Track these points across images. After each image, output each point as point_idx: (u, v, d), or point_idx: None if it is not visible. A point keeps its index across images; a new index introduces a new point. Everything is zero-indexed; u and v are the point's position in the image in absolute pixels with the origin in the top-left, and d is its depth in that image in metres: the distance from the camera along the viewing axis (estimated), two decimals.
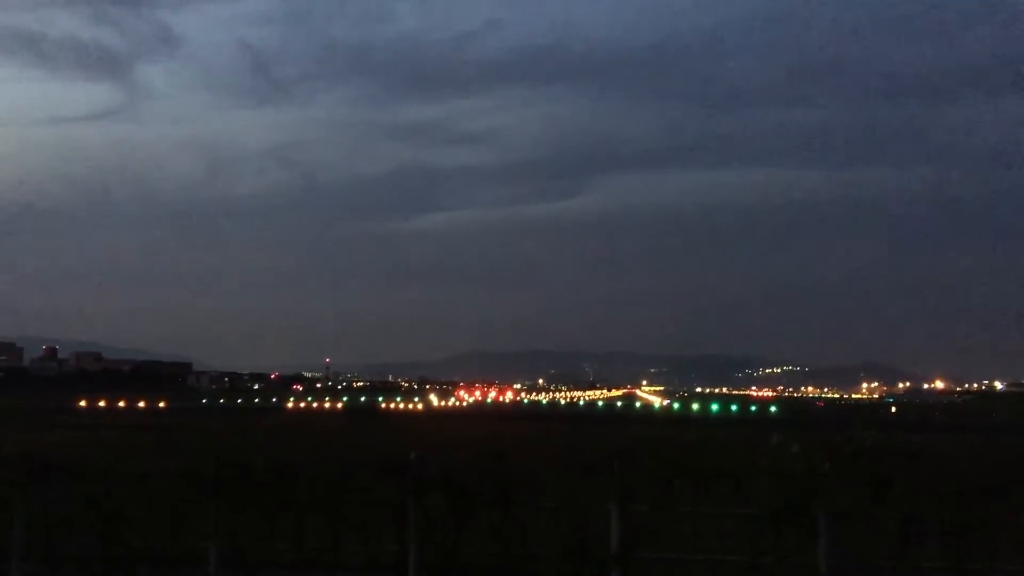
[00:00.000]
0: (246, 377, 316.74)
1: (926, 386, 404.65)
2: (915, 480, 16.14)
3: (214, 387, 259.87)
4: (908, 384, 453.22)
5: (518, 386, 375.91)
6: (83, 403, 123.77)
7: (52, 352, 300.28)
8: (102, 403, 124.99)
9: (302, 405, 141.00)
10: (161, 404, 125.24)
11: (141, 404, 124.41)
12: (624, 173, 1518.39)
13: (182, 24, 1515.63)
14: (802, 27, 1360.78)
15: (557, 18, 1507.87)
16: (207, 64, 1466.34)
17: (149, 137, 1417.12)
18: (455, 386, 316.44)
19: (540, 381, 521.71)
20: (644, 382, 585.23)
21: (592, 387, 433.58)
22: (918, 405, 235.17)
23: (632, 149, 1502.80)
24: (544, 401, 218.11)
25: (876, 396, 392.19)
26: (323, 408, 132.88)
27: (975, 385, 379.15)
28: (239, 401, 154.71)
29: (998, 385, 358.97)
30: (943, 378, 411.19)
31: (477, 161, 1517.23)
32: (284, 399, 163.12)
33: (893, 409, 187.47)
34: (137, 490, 16.43)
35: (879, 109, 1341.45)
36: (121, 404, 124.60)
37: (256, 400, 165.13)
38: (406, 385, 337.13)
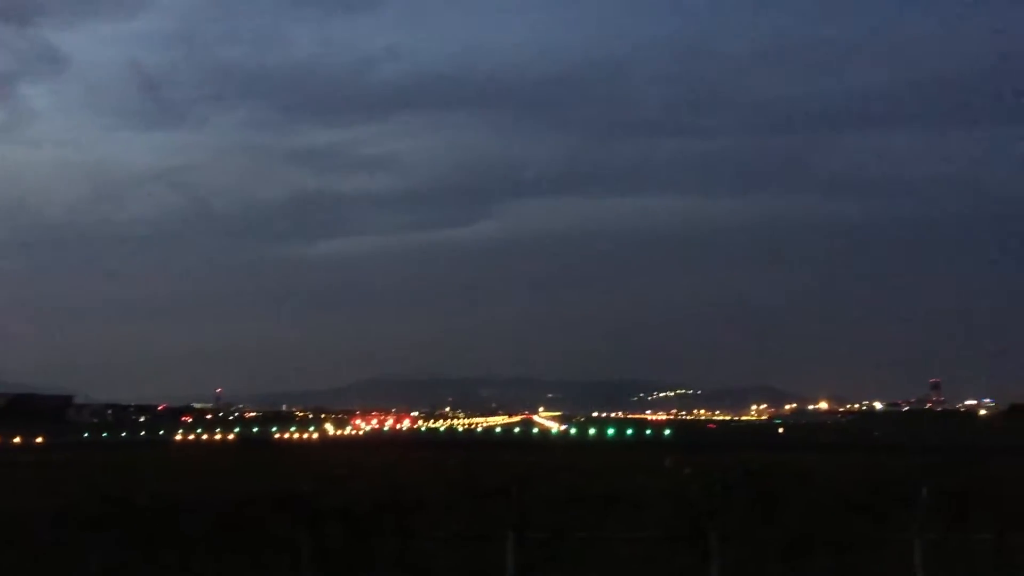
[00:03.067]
0: (132, 409, 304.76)
1: (811, 407, 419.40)
2: (802, 499, 16.67)
3: (96, 420, 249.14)
4: (795, 405, 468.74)
5: (415, 414, 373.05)
6: None
7: None
8: None
9: (192, 437, 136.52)
10: (39, 440, 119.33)
11: (16, 440, 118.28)
12: (524, 200, 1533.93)
13: (69, 43, 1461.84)
14: (699, 60, 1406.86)
15: (459, 45, 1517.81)
16: (95, 85, 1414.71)
17: (32, 160, 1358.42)
18: (351, 415, 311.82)
19: (447, 407, 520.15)
20: (541, 408, 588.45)
21: (494, 413, 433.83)
22: (804, 426, 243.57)
23: (532, 176, 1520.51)
24: (441, 428, 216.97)
25: (765, 417, 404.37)
26: (214, 440, 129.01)
27: (856, 405, 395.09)
28: (124, 434, 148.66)
29: (877, 405, 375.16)
30: (827, 399, 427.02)
31: (377, 187, 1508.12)
32: (172, 431, 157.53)
33: (780, 430, 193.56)
34: (13, 531, 15.60)
35: (771, 139, 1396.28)
36: None
37: (143, 433, 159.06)
38: (301, 415, 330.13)
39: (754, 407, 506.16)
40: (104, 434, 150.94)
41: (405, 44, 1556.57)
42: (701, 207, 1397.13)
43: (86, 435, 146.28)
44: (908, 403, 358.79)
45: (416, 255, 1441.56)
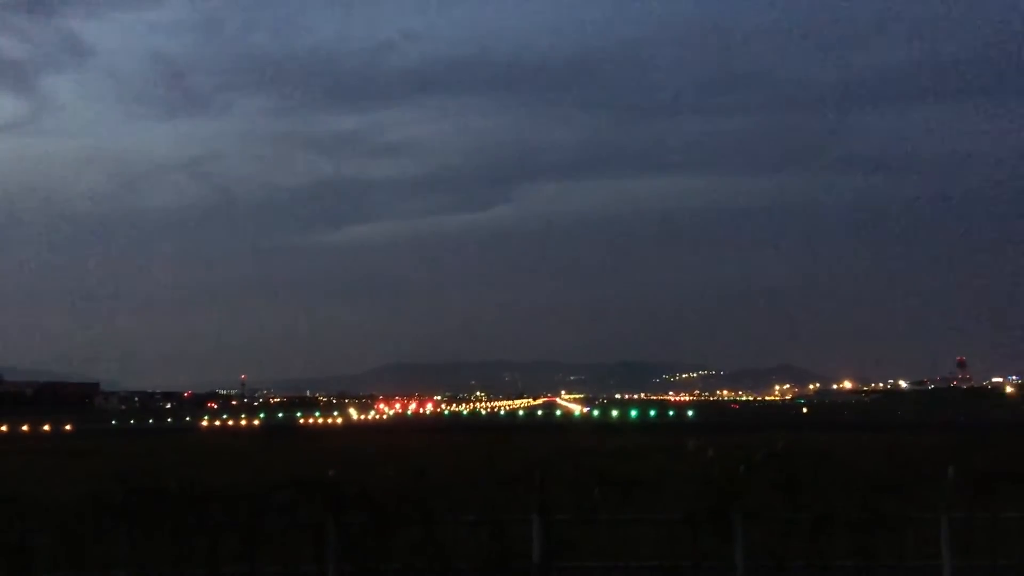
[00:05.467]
0: (158, 396, 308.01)
1: (835, 386, 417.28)
2: (825, 479, 16.61)
3: (123, 408, 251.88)
4: (818, 385, 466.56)
5: (438, 398, 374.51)
6: None
7: None
8: (3, 428, 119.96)
9: (217, 424, 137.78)
10: (67, 427, 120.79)
11: (45, 428, 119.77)
12: (544, 182, 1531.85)
13: (92, 33, 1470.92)
14: (721, 37, 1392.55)
15: (477, 29, 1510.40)
16: (118, 74, 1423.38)
17: (56, 150, 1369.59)
18: (375, 399, 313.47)
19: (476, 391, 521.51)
20: (563, 390, 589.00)
21: (520, 396, 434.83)
22: (827, 405, 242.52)
23: (552, 159, 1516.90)
24: (465, 412, 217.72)
25: (788, 397, 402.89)
26: (239, 426, 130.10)
27: (881, 384, 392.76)
28: (150, 421, 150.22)
29: (902, 384, 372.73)
30: (851, 379, 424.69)
31: (397, 172, 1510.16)
32: (198, 418, 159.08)
33: (804, 410, 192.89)
34: (43, 518, 15.82)
35: (797, 117, 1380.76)
36: (24, 429, 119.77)
37: (168, 420, 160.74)
38: (325, 400, 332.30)
39: (777, 387, 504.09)
40: (131, 421, 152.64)
41: (423, 29, 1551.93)
42: (722, 187, 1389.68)
43: (113, 422, 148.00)
44: (933, 381, 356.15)
45: (437, 240, 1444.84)
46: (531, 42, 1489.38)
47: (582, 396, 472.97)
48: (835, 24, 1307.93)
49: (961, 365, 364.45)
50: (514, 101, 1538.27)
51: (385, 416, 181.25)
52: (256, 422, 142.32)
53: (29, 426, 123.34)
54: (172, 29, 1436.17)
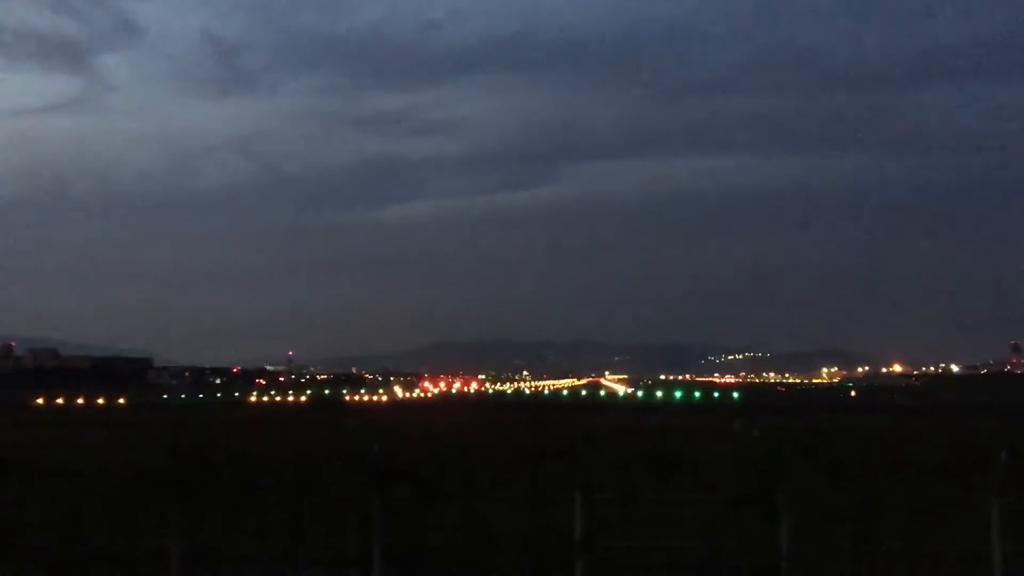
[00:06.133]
0: (208, 371, 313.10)
1: (884, 370, 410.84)
2: (873, 462, 16.38)
3: (175, 382, 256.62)
4: (867, 368, 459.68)
5: (482, 376, 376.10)
6: (40, 401, 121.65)
7: (7, 349, 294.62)
8: (60, 400, 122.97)
9: (265, 399, 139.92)
10: (121, 401, 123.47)
11: (100, 401, 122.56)
12: (589, 162, 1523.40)
13: (144, 14, 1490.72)
14: (768, 15, 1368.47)
15: (521, 7, 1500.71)
16: (169, 54, 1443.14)
17: (109, 129, 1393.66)
18: (419, 377, 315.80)
19: (526, 368, 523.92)
20: (608, 371, 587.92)
21: (562, 376, 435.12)
22: (876, 388, 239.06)
23: (598, 138, 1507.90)
24: (509, 390, 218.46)
25: (835, 380, 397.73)
26: (287, 401, 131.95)
27: (931, 368, 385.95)
28: (201, 396, 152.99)
29: (954, 368, 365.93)
30: (900, 362, 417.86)
31: (443, 151, 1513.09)
32: (247, 393, 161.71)
33: (852, 393, 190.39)
34: (96, 488, 16.19)
35: (844, 96, 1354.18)
36: (79, 401, 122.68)
37: (219, 394, 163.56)
38: (370, 378, 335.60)
39: (825, 370, 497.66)
40: (182, 395, 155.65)
41: (469, 8, 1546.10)
42: (770, 167, 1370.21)
43: (165, 396, 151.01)
44: (986, 365, 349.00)
45: (482, 219, 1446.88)
46: (577, 20, 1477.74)
47: (626, 377, 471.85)
48: (884, 2, 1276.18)
49: (1015, 349, 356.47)
50: (559, 80, 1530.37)
51: (429, 394, 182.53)
52: (303, 398, 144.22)
53: (84, 399, 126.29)
54: (222, 9, 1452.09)
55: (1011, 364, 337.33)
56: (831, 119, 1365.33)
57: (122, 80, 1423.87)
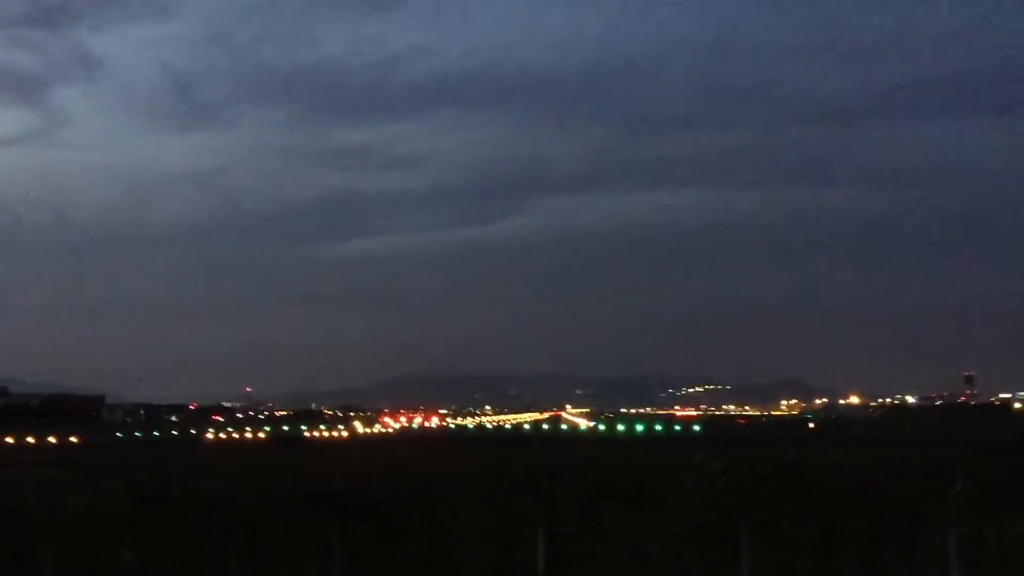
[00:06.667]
0: (163, 408, 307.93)
1: (841, 401, 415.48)
2: (833, 493, 16.54)
3: (129, 420, 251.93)
4: (825, 400, 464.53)
5: (444, 411, 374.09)
6: None
7: None
8: (9, 440, 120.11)
9: (223, 436, 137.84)
10: (73, 439, 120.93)
11: (52, 440, 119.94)
12: (551, 196, 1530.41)
13: (102, 46, 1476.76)
14: (726, 53, 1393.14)
15: (486, 43, 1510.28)
16: (128, 87, 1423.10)
17: (65, 163, 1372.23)
18: (380, 413, 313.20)
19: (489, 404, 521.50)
20: (569, 404, 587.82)
21: (523, 410, 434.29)
22: (835, 420, 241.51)
23: (560, 172, 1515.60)
24: (471, 425, 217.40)
25: (795, 412, 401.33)
26: (244, 438, 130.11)
27: (888, 400, 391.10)
28: (156, 433, 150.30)
29: (910, 399, 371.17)
30: (857, 394, 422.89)
31: (405, 186, 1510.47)
32: (204, 430, 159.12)
33: (811, 425, 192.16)
34: (49, 530, 15.81)
35: (798, 132, 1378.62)
36: (30, 440, 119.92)
37: (174, 432, 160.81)
38: (330, 413, 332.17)
39: (784, 402, 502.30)
40: (137, 433, 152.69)
41: (432, 42, 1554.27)
42: (729, 201, 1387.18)
43: (119, 434, 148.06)
44: (941, 397, 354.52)
45: (444, 253, 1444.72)
46: (538, 57, 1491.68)
47: (588, 410, 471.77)
48: (843, 38, 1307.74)
49: (969, 381, 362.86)
50: (521, 115, 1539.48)
51: (391, 429, 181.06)
52: (261, 435, 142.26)
53: (35, 437, 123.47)
54: (182, 42, 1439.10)
55: (965, 395, 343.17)
56: (792, 153, 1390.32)
57: (79, 114, 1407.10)
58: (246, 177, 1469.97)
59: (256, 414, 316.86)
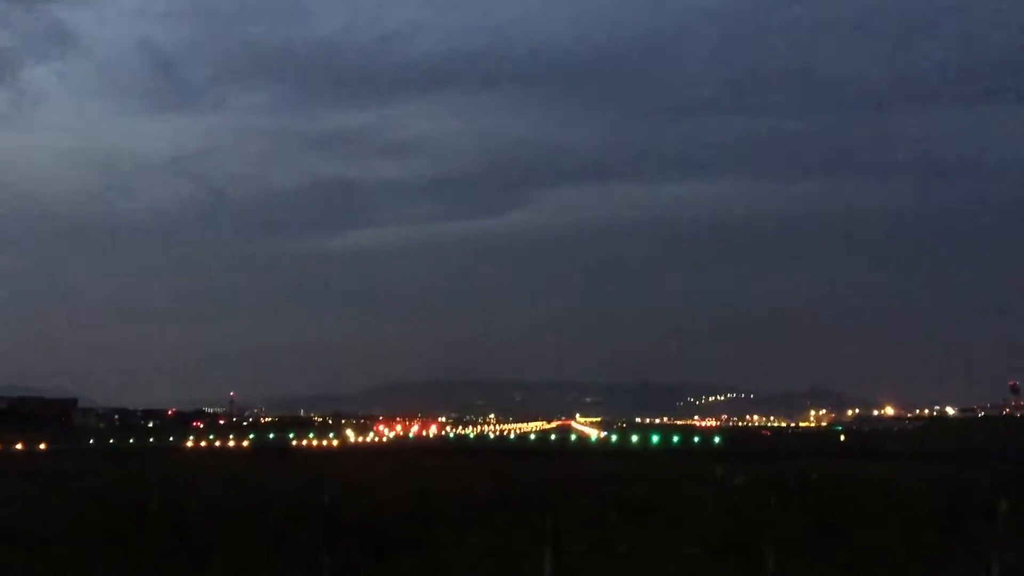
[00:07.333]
0: (139, 414, 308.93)
1: (876, 412, 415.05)
2: (865, 511, 16.53)
3: (103, 425, 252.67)
4: (857, 410, 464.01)
5: (443, 419, 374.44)
6: None
7: None
8: None
9: (203, 444, 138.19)
10: (42, 446, 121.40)
11: (19, 447, 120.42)
12: (563, 187, 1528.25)
13: (77, 21, 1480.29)
14: (760, 31, 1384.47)
15: (493, 20, 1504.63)
16: (105, 66, 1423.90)
17: (36, 146, 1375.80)
18: (374, 420, 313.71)
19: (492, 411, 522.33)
20: (579, 413, 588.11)
21: (529, 418, 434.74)
22: (868, 433, 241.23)
23: (573, 161, 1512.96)
24: (472, 434, 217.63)
25: (824, 423, 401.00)
26: (227, 447, 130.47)
27: (926, 411, 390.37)
28: (131, 441, 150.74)
29: (949, 410, 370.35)
30: (893, 404, 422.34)
31: (404, 174, 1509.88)
32: (183, 438, 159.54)
33: (842, 437, 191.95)
34: (18, 543, 15.88)
35: (833, 118, 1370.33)
36: None
37: (151, 439, 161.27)
38: (320, 420, 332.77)
39: (813, 413, 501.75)
40: (110, 440, 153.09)
41: (434, 20, 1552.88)
42: (756, 194, 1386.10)
43: (91, 441, 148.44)
44: (983, 408, 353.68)
45: (445, 248, 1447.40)
46: (551, 35, 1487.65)
47: (599, 419, 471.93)
48: (883, 17, 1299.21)
49: (1015, 390, 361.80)
50: (533, 97, 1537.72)
51: (385, 438, 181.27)
52: (246, 443, 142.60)
53: (1, 444, 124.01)
54: (164, 17, 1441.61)
55: (1010, 406, 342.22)
56: (825, 143, 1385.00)
57: (51, 93, 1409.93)
58: (231, 163, 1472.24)
59: (240, 421, 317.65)
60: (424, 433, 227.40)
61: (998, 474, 54.81)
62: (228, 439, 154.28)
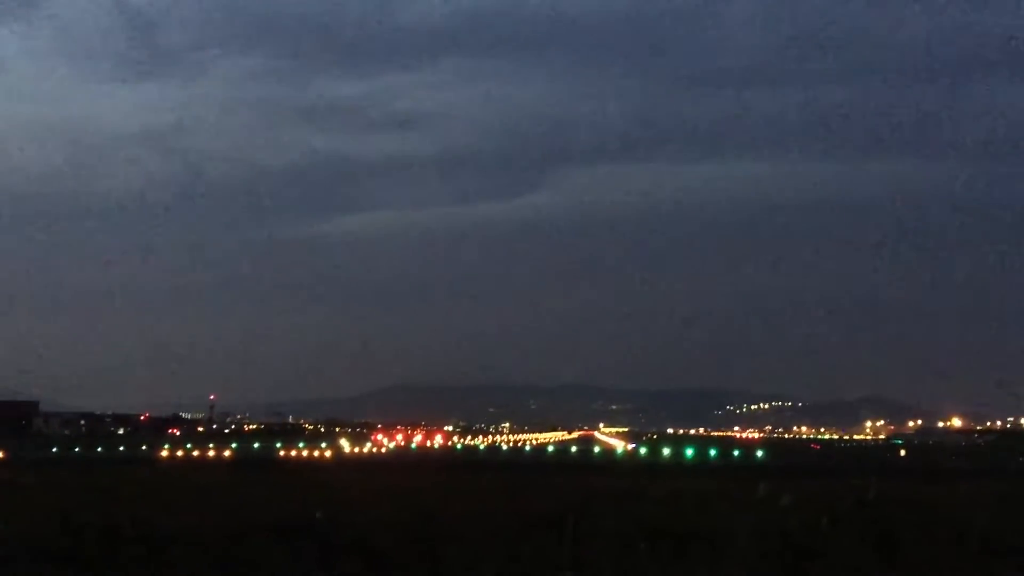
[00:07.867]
0: (108, 419, 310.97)
1: (941, 424, 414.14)
2: (928, 537, 16.49)
3: (67, 432, 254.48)
4: (919, 422, 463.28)
5: (450, 428, 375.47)
6: None
7: None
8: None
9: (180, 454, 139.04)
10: None
11: None
12: (586, 166, 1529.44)
13: None
14: None
15: None
16: (71, 27, 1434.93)
17: None
18: (372, 428, 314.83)
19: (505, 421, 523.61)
20: (603, 422, 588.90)
21: (547, 428, 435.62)
22: (931, 447, 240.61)
23: (596, 138, 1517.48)
24: (482, 446, 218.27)
25: (882, 436, 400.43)
26: (207, 457, 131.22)
27: (998, 423, 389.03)
28: (100, 450, 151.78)
29: None
30: (960, 415, 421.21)
31: (406, 151, 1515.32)
32: (157, 446, 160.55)
33: (902, 452, 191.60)
34: None
35: (892, 90, 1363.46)
36: None
37: (122, 448, 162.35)
38: (311, 428, 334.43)
39: (869, 423, 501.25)
40: (76, 449, 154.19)
41: None
42: (804, 176, 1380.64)
43: (54, 450, 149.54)
44: None
45: (452, 235, 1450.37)
46: None
47: (626, 429, 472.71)
48: None
49: None
50: (550, 66, 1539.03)
51: (384, 449, 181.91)
52: (227, 453, 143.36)
53: None
54: None
55: None
56: (877, 118, 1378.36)
57: (11, 58, 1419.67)
58: (213, 138, 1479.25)
59: (221, 428, 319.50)
60: (428, 443, 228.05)
61: None
62: (208, 448, 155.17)
